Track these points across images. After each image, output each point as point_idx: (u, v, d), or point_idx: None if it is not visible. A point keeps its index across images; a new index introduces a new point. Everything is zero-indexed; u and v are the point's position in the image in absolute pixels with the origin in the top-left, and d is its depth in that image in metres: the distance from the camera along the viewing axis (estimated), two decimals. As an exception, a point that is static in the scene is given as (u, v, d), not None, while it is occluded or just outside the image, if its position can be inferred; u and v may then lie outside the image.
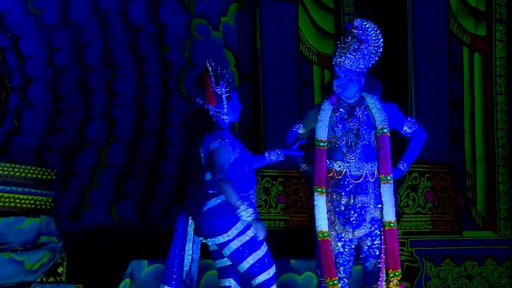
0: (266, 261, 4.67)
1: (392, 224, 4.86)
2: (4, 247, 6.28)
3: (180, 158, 4.76)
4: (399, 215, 7.65)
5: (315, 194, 4.95)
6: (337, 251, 4.93)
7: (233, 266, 4.71)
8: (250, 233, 4.64)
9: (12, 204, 6.74)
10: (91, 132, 7.96)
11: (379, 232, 4.91)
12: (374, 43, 5.00)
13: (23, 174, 6.84)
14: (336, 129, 4.93)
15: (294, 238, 7.67)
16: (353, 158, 4.90)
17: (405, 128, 5.08)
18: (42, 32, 7.78)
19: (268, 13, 8.19)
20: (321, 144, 4.95)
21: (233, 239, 4.62)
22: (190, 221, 4.74)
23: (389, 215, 4.87)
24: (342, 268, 4.94)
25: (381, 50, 5.03)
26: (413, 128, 5.10)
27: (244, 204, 4.59)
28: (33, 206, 6.78)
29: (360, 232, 4.91)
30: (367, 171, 4.90)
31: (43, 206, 6.79)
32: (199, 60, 8.40)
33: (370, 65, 5.01)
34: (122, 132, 8.06)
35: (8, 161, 7.00)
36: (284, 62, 7.91)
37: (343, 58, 4.91)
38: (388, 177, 4.90)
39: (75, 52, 7.92)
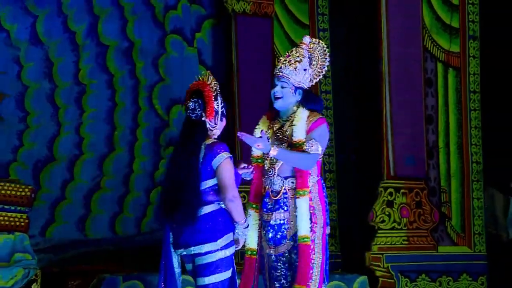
0: (228, 285, 4.75)
1: (304, 239, 4.87)
2: (-23, 264, 6.39)
3: (168, 167, 4.75)
4: (374, 230, 7.85)
5: (248, 210, 5.07)
6: (270, 265, 5.01)
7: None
8: (231, 250, 4.78)
9: (-15, 221, 6.86)
10: (64, 147, 8.08)
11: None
12: (319, 63, 5.10)
13: (-4, 191, 6.95)
14: None
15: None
16: (272, 174, 4.99)
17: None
18: (15, 48, 7.91)
19: (242, 29, 8.31)
20: (256, 160, 5.06)
21: (217, 250, 4.73)
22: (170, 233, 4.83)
23: (303, 230, 4.87)
24: (277, 284, 5.02)
25: (324, 72, 5.10)
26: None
27: (247, 223, 4.84)
28: (7, 222, 6.90)
29: (281, 248, 4.96)
30: (286, 187, 4.96)
31: (17, 223, 6.91)
32: (173, 76, 8.55)
33: (310, 84, 5.07)
34: (95, 147, 8.19)
35: (-19, 178, 7.13)
36: (259, 78, 8.06)
37: (283, 67, 5.00)
38: (303, 192, 4.88)
39: (48, 67, 8.05)
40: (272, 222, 4.95)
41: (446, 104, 8.35)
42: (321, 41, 5.15)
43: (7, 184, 7.07)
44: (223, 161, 4.73)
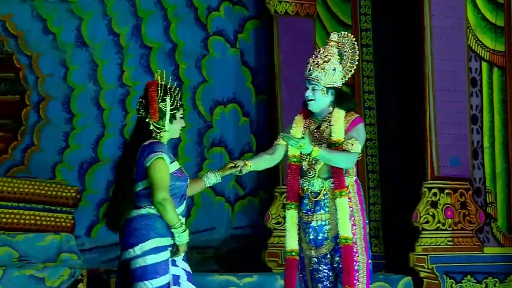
0: None
1: (346, 240, 4.84)
2: (25, 264, 6.49)
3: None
4: (418, 231, 7.83)
5: (286, 210, 5.01)
6: (311, 268, 5.00)
7: None
8: (159, 257, 4.49)
9: (33, 222, 7.00)
10: (108, 148, 8.20)
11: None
12: (350, 57, 5.04)
13: (43, 191, 7.11)
14: None
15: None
16: (312, 176, 4.93)
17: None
18: (61, 50, 8.05)
19: (285, 30, 8.35)
20: (294, 160, 4.98)
21: (138, 256, 4.48)
22: None
23: (344, 231, 4.84)
24: (320, 285, 5.00)
25: (355, 66, 5.04)
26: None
27: (183, 227, 4.55)
28: (53, 223, 7.04)
29: (322, 250, 4.93)
30: (326, 188, 4.92)
31: (63, 223, 7.04)
32: (216, 77, 8.61)
33: (344, 80, 5.03)
34: (139, 148, 8.26)
35: (28, 179, 7.26)
36: (301, 78, 8.07)
37: (312, 70, 4.96)
38: (342, 192, 4.84)
39: (93, 69, 8.18)
40: (313, 224, 4.92)
41: (491, 103, 8.28)
42: (349, 35, 5.07)
43: (53, 185, 7.22)
44: (154, 160, 4.45)
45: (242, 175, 5.05)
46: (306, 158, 4.94)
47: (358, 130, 4.93)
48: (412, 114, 8.27)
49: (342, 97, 5.00)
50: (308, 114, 5.07)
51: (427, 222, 7.89)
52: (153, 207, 4.50)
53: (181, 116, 4.71)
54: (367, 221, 5.02)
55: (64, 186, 7.27)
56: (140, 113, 4.61)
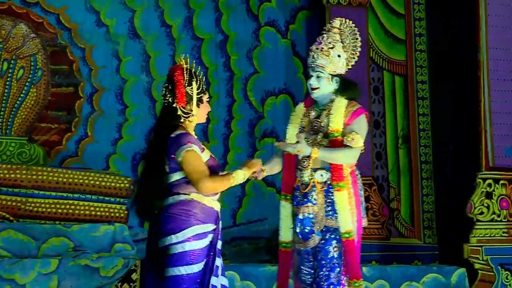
0: (193, 281, 4.45)
1: (347, 234, 4.71)
2: (80, 254, 6.55)
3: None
4: (473, 222, 7.71)
5: (281, 201, 4.93)
6: (300, 261, 4.89)
7: None
8: (197, 244, 4.47)
9: (87, 212, 7.07)
10: (161, 139, 8.19)
11: (335, 242, 4.79)
12: (351, 45, 4.97)
13: (97, 182, 7.18)
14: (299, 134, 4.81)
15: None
16: (305, 166, 4.82)
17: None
18: (114, 42, 8.10)
19: (337, 20, 8.26)
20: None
21: (179, 242, 4.45)
22: None
23: (345, 225, 4.72)
24: (303, 277, 4.89)
25: (358, 53, 4.97)
26: (347, 143, 4.79)
27: (235, 172, 4.60)
28: (107, 214, 7.09)
29: (309, 243, 4.81)
30: (315, 179, 4.79)
31: (117, 214, 7.09)
32: (267, 68, 8.59)
33: (347, 68, 4.96)
34: (191, 139, 8.27)
35: (82, 170, 7.33)
36: (354, 68, 7.98)
37: (316, 57, 4.87)
38: (340, 184, 4.72)
39: (145, 61, 8.21)
40: (300, 216, 4.82)
41: (549, 92, 8.13)
42: (349, 21, 5.02)
43: (107, 176, 7.29)
44: (184, 153, 4.44)
45: (259, 180, 4.96)
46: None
47: (359, 123, 4.81)
48: (466, 104, 8.17)
49: (346, 85, 4.90)
50: (312, 103, 4.99)
51: (482, 213, 7.79)
52: (192, 193, 4.48)
53: (208, 100, 4.70)
54: (364, 215, 4.88)
55: (118, 177, 7.33)
56: (167, 98, 4.59)
